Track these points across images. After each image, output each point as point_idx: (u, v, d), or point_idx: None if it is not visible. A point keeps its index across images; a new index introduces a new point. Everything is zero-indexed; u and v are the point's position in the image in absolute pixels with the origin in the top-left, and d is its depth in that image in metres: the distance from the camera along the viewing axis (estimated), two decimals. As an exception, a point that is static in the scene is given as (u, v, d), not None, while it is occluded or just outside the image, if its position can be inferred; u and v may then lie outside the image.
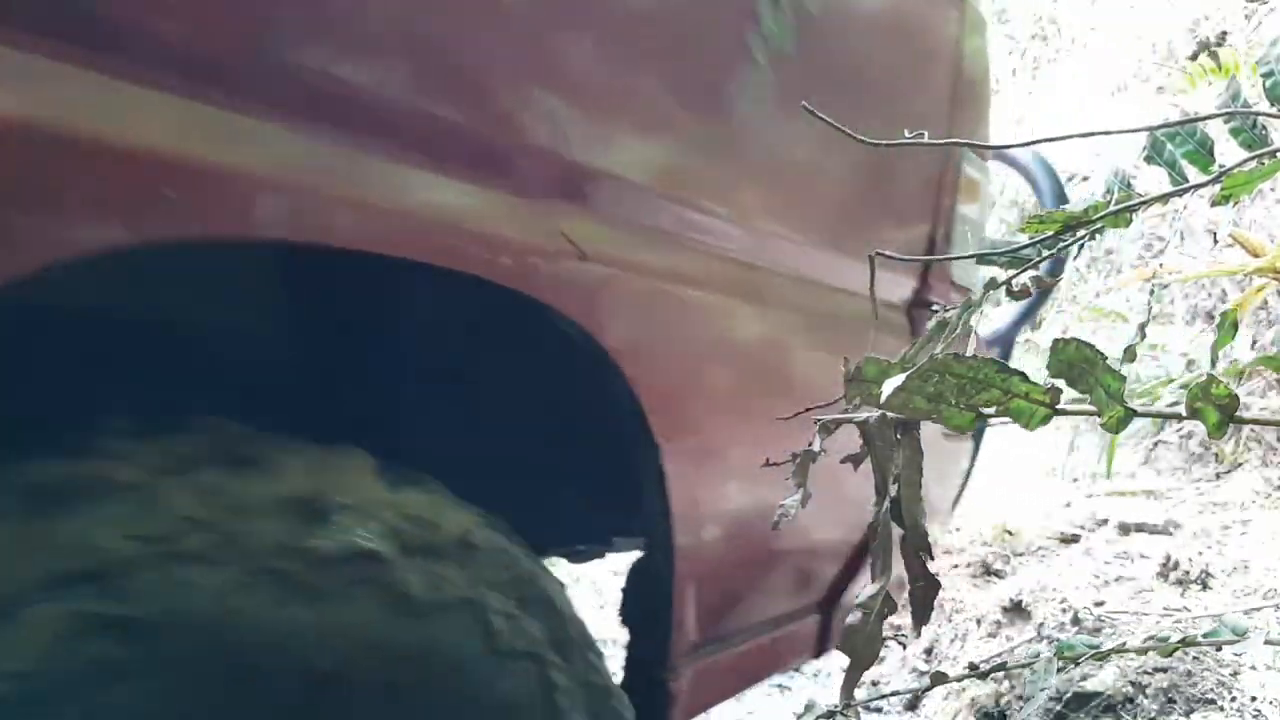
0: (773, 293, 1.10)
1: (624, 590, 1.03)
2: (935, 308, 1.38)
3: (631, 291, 0.90)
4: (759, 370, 1.10)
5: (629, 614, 1.02)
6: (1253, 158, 1.05)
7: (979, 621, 2.18)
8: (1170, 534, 2.43)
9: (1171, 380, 2.83)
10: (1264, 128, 1.08)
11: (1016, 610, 2.07)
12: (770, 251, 1.09)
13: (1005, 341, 1.90)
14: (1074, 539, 2.53)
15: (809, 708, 2.22)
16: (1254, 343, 2.97)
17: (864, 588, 1.49)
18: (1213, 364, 1.03)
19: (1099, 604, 1.91)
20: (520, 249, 0.76)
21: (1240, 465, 2.83)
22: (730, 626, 1.18)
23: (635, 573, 1.01)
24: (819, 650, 1.43)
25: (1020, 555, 2.50)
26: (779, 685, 2.30)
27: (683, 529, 0.97)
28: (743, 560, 1.17)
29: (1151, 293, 3.07)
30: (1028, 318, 1.90)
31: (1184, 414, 0.87)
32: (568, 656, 0.83)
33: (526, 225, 0.77)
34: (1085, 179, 3.67)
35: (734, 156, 1.01)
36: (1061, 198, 1.87)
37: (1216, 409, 0.84)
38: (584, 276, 0.83)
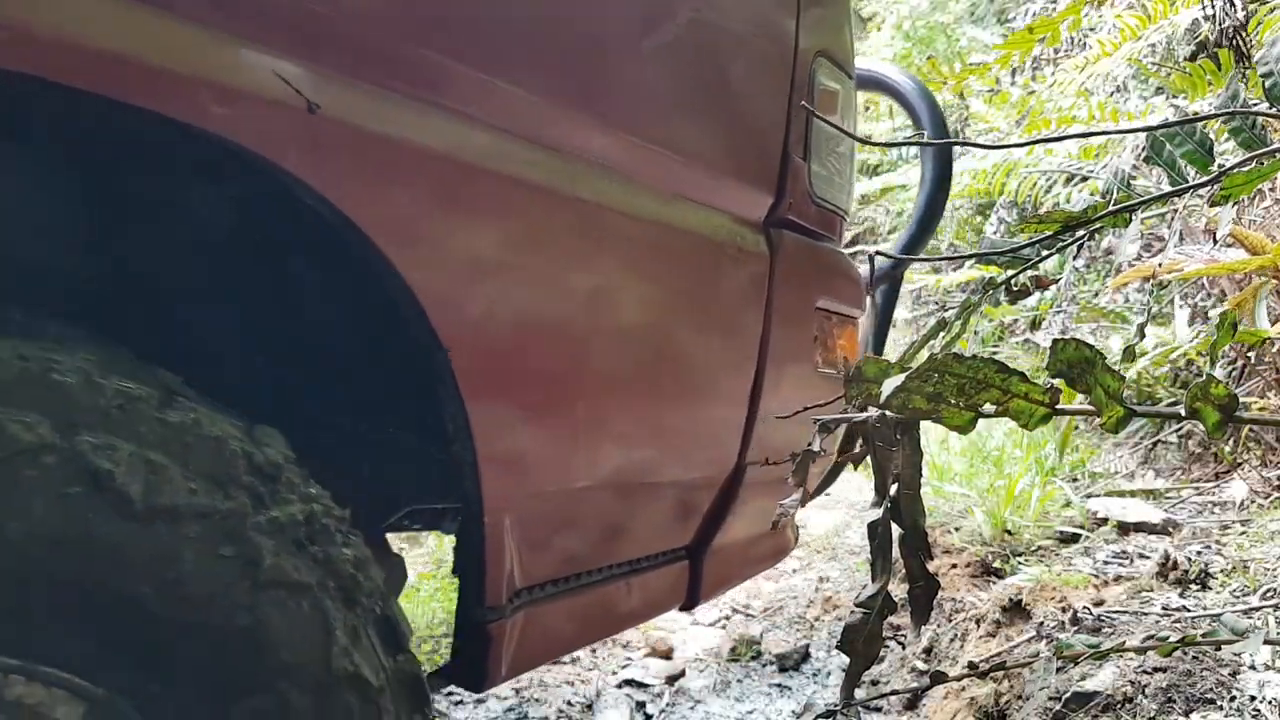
0: (584, 185, 0.96)
1: (456, 537, 0.95)
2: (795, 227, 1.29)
3: (390, 164, 0.76)
4: (574, 273, 0.96)
5: (457, 562, 0.93)
6: (1252, 158, 1.05)
7: (978, 621, 2.18)
8: (1169, 534, 2.43)
9: (1145, 352, 2.82)
10: (1263, 128, 1.08)
11: (1016, 610, 2.07)
12: (577, 136, 0.94)
13: (892, 277, 1.84)
14: (1073, 539, 2.53)
15: (809, 707, 2.22)
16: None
17: (731, 530, 1.40)
18: (1212, 364, 1.03)
19: (1098, 603, 1.91)
20: (223, 91, 0.63)
21: (1239, 465, 2.83)
22: (567, 570, 1.07)
23: (460, 517, 0.93)
24: (690, 600, 1.32)
25: (1019, 555, 2.50)
26: (779, 685, 2.30)
27: (487, 453, 0.86)
28: (574, 498, 1.04)
29: (1150, 292, 3.07)
30: (913, 253, 1.84)
31: (1183, 414, 0.87)
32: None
33: (225, 64, 0.64)
34: (1085, 179, 3.67)
35: (516, 20, 0.87)
36: (941, 126, 1.81)
37: (1216, 409, 0.84)
38: (321, 136, 0.70)
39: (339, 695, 0.72)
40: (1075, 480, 3.13)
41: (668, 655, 2.46)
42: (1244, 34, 3.09)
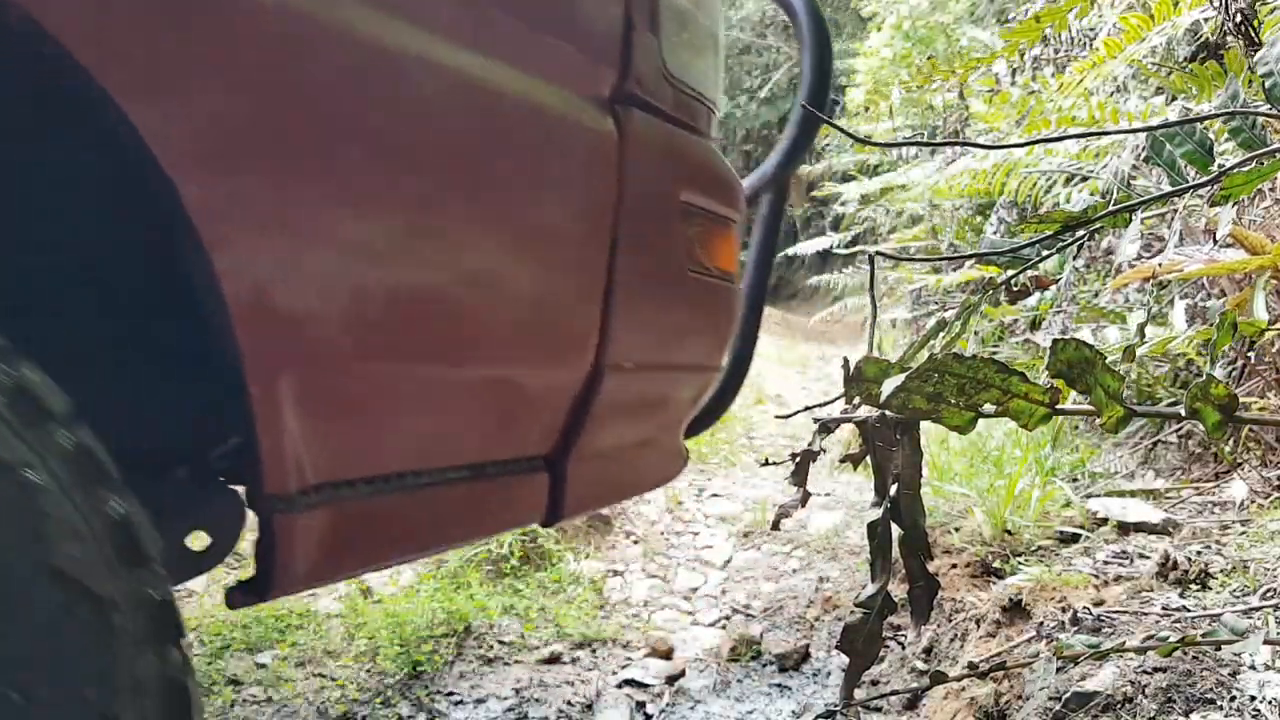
0: (370, 25, 0.83)
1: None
2: (648, 107, 1.19)
3: None
4: (368, 130, 0.84)
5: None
6: (1252, 158, 1.05)
7: (978, 621, 2.18)
8: (1169, 534, 2.43)
9: (1144, 342, 2.80)
10: (1263, 128, 1.08)
11: (1016, 610, 2.07)
12: None
13: (777, 182, 1.72)
14: (1073, 539, 2.53)
15: (807, 707, 2.22)
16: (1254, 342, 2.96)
17: (595, 440, 1.24)
18: (1212, 364, 1.03)
19: (1098, 603, 1.91)
20: None
21: (1239, 465, 2.83)
22: (386, 468, 0.94)
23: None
24: (552, 515, 1.19)
25: (1019, 555, 2.50)
26: (778, 685, 2.30)
27: (238, 295, 0.72)
28: (383, 384, 0.92)
29: (1150, 293, 3.07)
30: (795, 155, 1.71)
31: (1183, 414, 0.87)
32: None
33: None
34: (1085, 179, 3.67)
35: None
36: (820, 30, 1.64)
37: (1216, 409, 0.84)
38: None
39: (48, 593, 0.59)
40: (1075, 480, 3.13)
41: (668, 655, 2.46)
42: (1251, 27, 3.09)
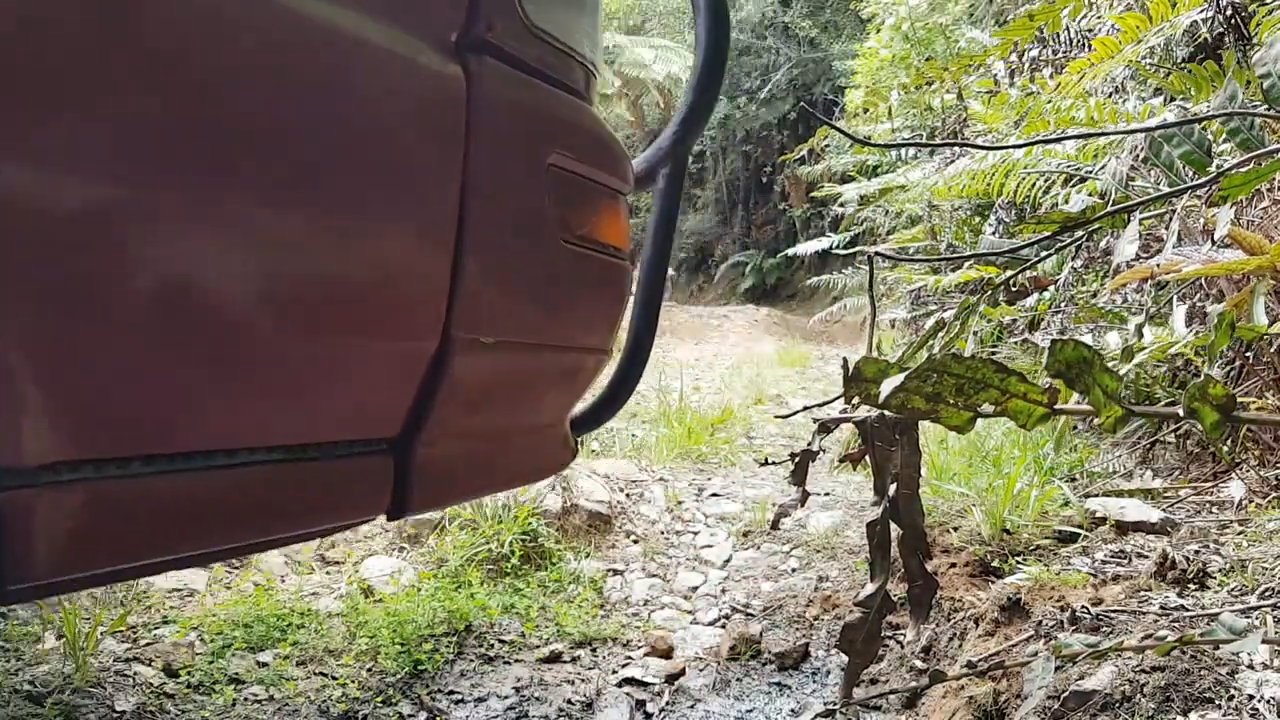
0: None
1: None
2: (506, 54, 1.07)
3: None
4: (146, 54, 0.73)
5: None
6: (1250, 159, 1.06)
7: (977, 620, 2.19)
8: (1167, 533, 2.44)
9: (1143, 347, 2.80)
10: (1261, 129, 1.09)
11: (1014, 609, 2.08)
12: None
13: (674, 156, 1.57)
14: (1072, 538, 2.53)
15: (805, 707, 2.22)
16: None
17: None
18: (1210, 364, 1.03)
19: (1096, 603, 1.92)
20: None
21: (1238, 465, 2.84)
22: (170, 446, 0.82)
23: None
24: (399, 507, 1.06)
25: (1018, 554, 2.51)
26: (778, 684, 2.30)
27: None
28: (163, 346, 0.78)
29: (1149, 293, 3.07)
30: (692, 128, 1.56)
31: (1181, 414, 0.87)
32: None
33: None
34: (1084, 179, 3.68)
35: None
36: (720, 23, 1.49)
37: (1214, 409, 0.85)
38: None
39: None
40: (1074, 480, 3.14)
41: (668, 654, 2.46)
42: (1245, 26, 3.10)
